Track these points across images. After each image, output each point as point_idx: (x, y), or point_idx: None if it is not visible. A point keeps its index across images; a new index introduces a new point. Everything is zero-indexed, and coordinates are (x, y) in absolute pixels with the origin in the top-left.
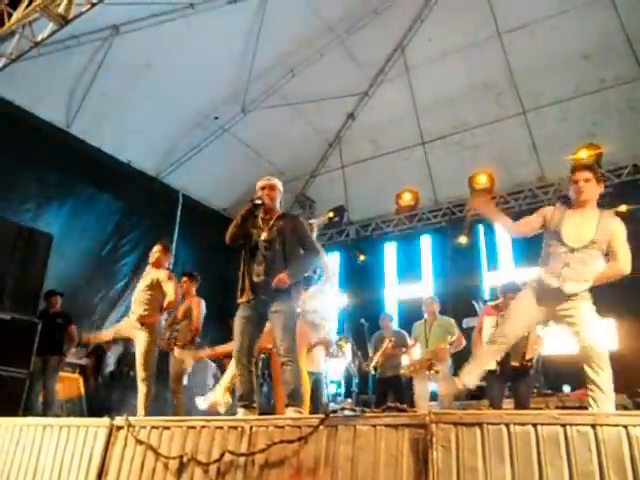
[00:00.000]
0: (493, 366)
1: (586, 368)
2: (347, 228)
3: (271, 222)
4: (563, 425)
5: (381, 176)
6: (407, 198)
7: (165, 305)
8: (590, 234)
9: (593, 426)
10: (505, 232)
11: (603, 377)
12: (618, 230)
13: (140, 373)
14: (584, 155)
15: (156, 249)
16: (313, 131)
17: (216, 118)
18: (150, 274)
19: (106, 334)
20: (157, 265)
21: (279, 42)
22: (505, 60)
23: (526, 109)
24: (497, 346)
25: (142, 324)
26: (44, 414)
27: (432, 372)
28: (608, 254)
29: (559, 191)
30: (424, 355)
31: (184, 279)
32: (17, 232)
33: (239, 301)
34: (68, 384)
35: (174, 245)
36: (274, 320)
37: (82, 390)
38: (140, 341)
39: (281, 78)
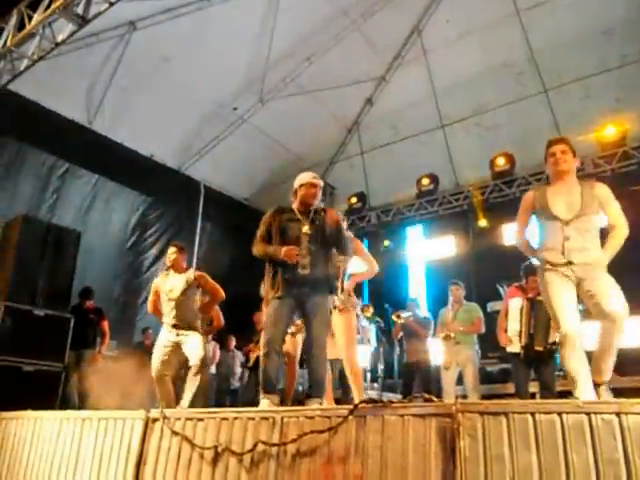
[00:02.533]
0: (517, 349)
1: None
2: (368, 214)
3: (310, 215)
4: (588, 414)
5: (401, 161)
6: (427, 182)
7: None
8: (578, 204)
9: (618, 414)
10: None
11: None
12: (604, 194)
13: (195, 373)
14: (610, 132)
15: (172, 251)
16: (331, 118)
17: (235, 109)
18: (175, 278)
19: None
20: (178, 267)
21: (295, 31)
22: (524, 38)
23: (547, 87)
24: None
25: (190, 327)
26: (80, 406)
27: (452, 337)
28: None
29: (582, 170)
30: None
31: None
32: (46, 230)
33: (276, 295)
34: None
35: (197, 236)
36: (314, 312)
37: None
38: (195, 344)
39: (298, 66)
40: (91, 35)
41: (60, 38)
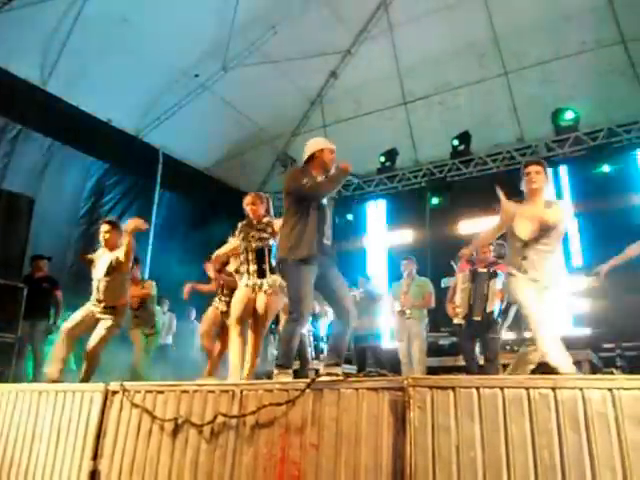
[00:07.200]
0: (460, 320)
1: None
2: None
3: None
4: (527, 388)
5: (363, 136)
6: (386, 158)
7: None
8: (536, 225)
9: (553, 389)
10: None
11: None
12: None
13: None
14: (565, 117)
15: (105, 229)
16: (295, 89)
17: (196, 75)
18: (104, 257)
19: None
20: (111, 247)
21: None
22: (489, 20)
23: (508, 70)
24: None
25: (110, 308)
26: (34, 377)
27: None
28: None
29: (537, 153)
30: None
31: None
32: None
33: (307, 255)
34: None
35: (155, 205)
36: (339, 278)
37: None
38: (103, 325)
39: (263, 34)
40: None
41: None
